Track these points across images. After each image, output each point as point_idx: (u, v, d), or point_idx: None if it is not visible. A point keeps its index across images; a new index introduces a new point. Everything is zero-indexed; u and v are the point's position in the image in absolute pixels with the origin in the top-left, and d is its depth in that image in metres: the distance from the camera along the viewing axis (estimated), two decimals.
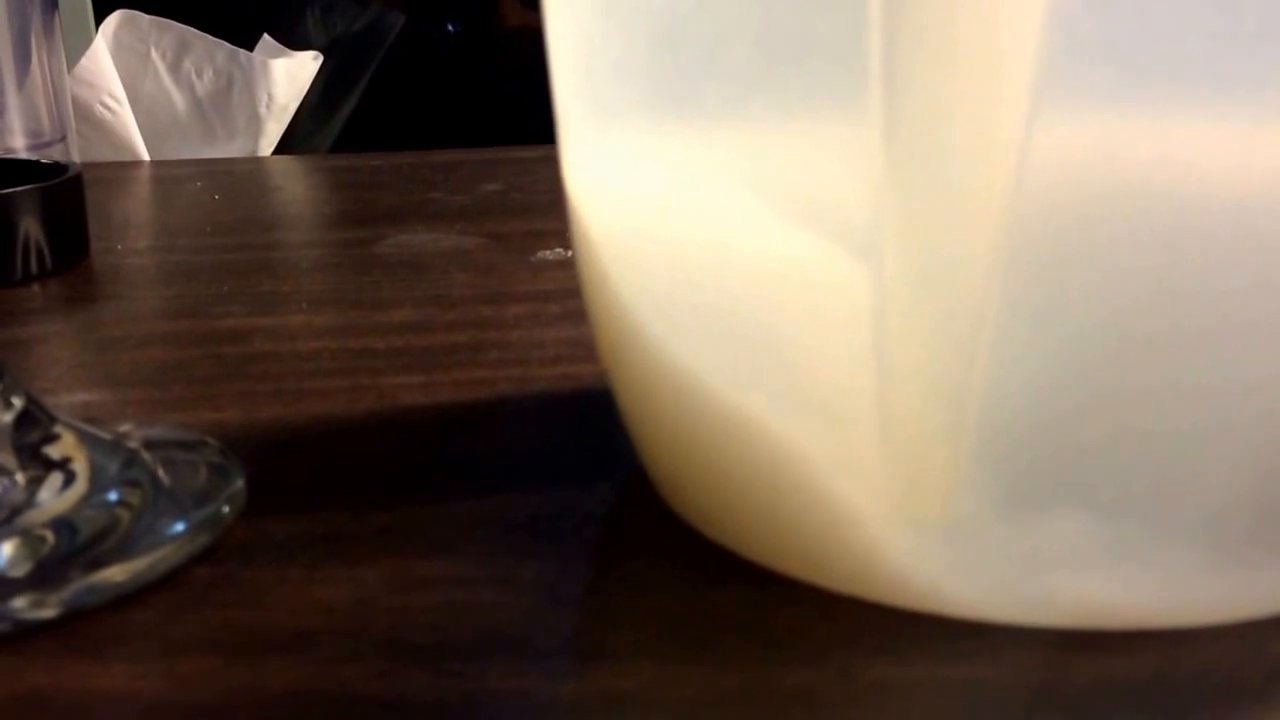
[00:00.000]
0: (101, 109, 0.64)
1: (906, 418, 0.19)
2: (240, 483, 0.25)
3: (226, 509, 0.24)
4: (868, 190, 0.18)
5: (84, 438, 0.24)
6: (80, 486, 0.23)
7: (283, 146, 0.74)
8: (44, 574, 0.21)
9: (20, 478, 0.23)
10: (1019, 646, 0.19)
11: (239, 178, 0.61)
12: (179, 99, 0.69)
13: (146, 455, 0.25)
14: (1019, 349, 0.18)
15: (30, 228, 0.41)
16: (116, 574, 0.21)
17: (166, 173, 0.62)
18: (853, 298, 0.19)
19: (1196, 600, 0.19)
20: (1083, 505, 0.19)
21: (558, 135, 0.24)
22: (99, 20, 0.70)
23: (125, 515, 0.23)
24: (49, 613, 0.20)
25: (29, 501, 0.22)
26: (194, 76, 0.69)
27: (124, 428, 0.26)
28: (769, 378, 0.20)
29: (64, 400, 0.30)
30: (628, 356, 0.23)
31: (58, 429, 0.24)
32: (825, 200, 0.19)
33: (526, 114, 0.83)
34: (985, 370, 0.18)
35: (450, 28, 1.10)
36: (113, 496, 0.23)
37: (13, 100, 0.51)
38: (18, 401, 0.23)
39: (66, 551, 0.22)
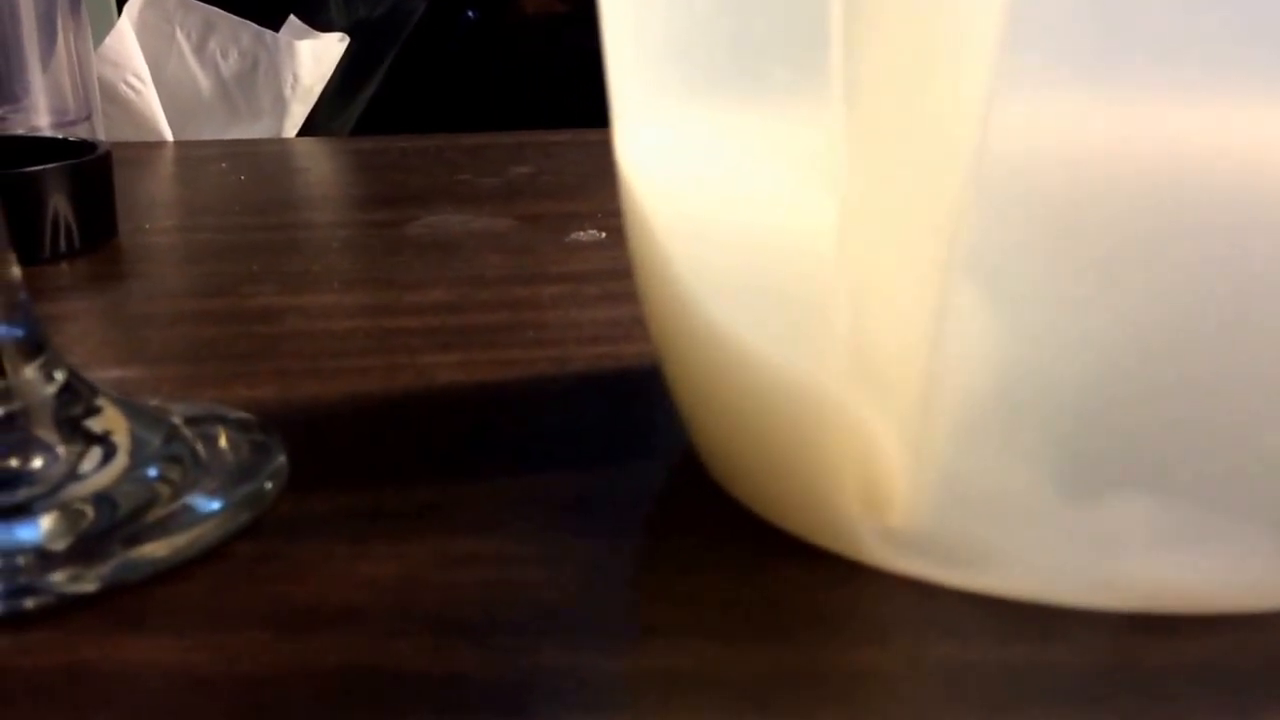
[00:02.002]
0: (126, 89, 0.63)
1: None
2: (282, 459, 0.24)
3: (269, 485, 0.23)
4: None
5: (125, 411, 0.24)
6: (121, 460, 0.23)
7: (303, 129, 0.74)
8: (84, 548, 0.21)
9: (62, 451, 0.22)
10: (1087, 629, 0.19)
11: (264, 159, 0.61)
12: (203, 80, 0.68)
13: (187, 430, 0.24)
14: (1080, 329, 0.18)
15: (59, 205, 0.40)
16: (156, 549, 0.21)
17: (191, 153, 0.62)
18: (918, 284, 0.18)
19: (1271, 584, 0.19)
20: (1155, 487, 0.18)
21: (610, 112, 0.23)
22: (123, 0, 0.70)
23: (165, 490, 0.23)
24: (88, 587, 0.20)
25: (70, 475, 0.22)
26: (219, 57, 0.68)
27: (160, 403, 0.26)
28: (825, 353, 0.20)
29: (96, 377, 0.29)
30: (680, 333, 0.22)
31: (99, 402, 0.23)
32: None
33: (543, 100, 0.83)
34: (1043, 349, 0.18)
35: (470, 14, 1.09)
36: (152, 472, 0.23)
37: (38, 79, 0.51)
38: (59, 375, 0.23)
39: (106, 526, 0.21)
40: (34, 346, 0.23)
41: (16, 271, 0.23)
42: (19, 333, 0.22)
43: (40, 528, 0.21)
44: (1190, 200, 0.17)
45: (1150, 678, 0.18)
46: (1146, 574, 0.19)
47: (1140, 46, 0.16)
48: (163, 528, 0.22)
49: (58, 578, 0.20)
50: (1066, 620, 0.19)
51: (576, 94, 0.61)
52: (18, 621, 0.19)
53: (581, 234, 0.43)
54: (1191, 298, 0.17)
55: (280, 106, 0.69)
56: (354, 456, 0.25)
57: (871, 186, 0.18)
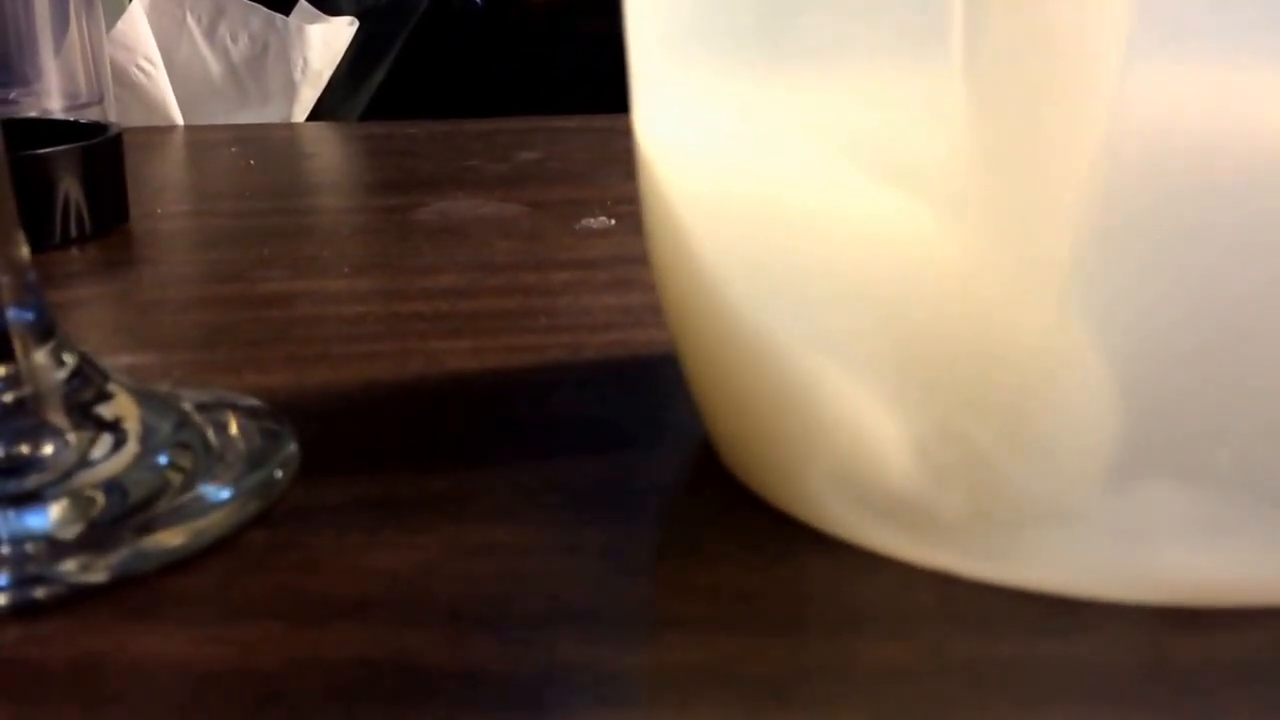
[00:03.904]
0: (137, 72, 0.63)
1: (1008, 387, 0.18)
2: (293, 447, 0.24)
3: (280, 473, 0.23)
4: (949, 138, 0.17)
5: (136, 398, 0.23)
6: (132, 447, 0.22)
7: (313, 114, 0.74)
8: (94, 536, 0.20)
9: (72, 437, 0.22)
10: (1118, 624, 0.18)
11: (274, 143, 0.60)
12: (214, 63, 0.68)
13: (198, 417, 0.24)
14: (1118, 308, 0.17)
15: (70, 189, 0.40)
16: (168, 538, 0.21)
17: (201, 137, 0.61)
18: (945, 260, 0.18)
19: None
20: (1191, 476, 0.18)
21: (628, 93, 0.23)
22: None
23: (176, 478, 0.22)
24: (99, 577, 0.20)
25: (80, 462, 0.22)
26: (229, 41, 0.68)
27: (171, 390, 0.26)
28: (852, 341, 0.19)
29: (108, 363, 0.29)
30: (699, 318, 0.22)
31: (110, 388, 0.23)
32: (909, 151, 0.18)
33: (549, 86, 0.83)
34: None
35: (478, 0, 1.09)
36: (163, 459, 0.23)
37: (50, 62, 0.51)
38: (70, 359, 0.23)
39: (117, 514, 0.21)
40: (44, 330, 0.22)
41: (26, 253, 0.22)
42: (29, 316, 0.22)
43: (50, 515, 0.21)
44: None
45: (1184, 674, 0.18)
46: (1180, 566, 0.18)
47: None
48: (174, 516, 0.21)
49: (68, 567, 0.20)
50: (1096, 614, 0.19)
51: (583, 80, 0.61)
52: (27, 612, 0.19)
53: (591, 221, 0.42)
54: (1239, 287, 0.17)
55: (290, 91, 0.69)
56: (366, 444, 0.25)
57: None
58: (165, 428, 0.23)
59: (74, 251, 0.40)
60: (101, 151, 0.41)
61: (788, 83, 0.19)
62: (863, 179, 0.18)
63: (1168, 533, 0.18)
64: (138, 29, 0.63)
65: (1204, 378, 0.17)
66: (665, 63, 0.21)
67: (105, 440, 0.22)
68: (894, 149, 0.18)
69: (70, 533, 0.20)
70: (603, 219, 0.43)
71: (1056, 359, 0.18)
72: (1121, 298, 0.17)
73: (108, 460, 0.22)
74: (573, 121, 0.61)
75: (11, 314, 0.22)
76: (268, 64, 0.68)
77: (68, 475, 0.21)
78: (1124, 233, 0.17)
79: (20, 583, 0.19)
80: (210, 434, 0.24)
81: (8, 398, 0.22)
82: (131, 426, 0.23)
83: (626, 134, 0.24)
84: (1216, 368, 0.17)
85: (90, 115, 0.50)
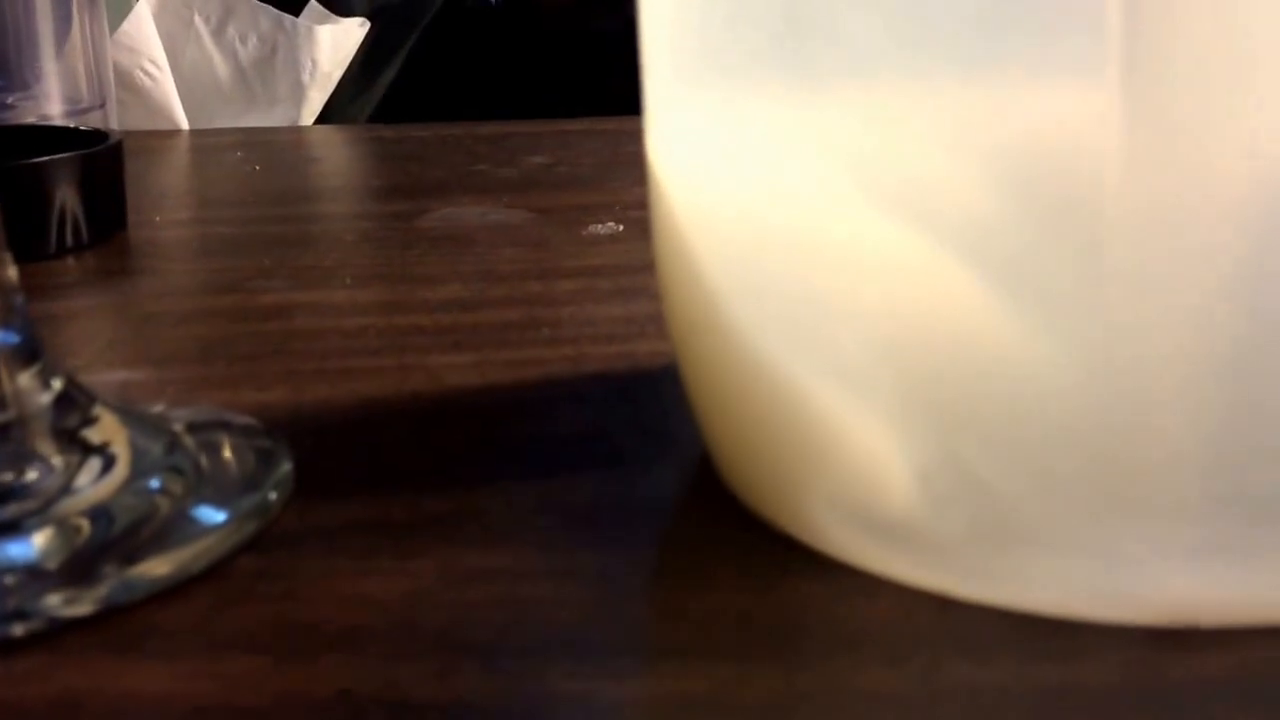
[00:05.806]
0: (142, 75, 0.62)
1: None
2: (287, 468, 0.23)
3: (273, 496, 0.23)
4: (964, 167, 0.16)
5: (124, 420, 0.23)
6: (120, 472, 0.22)
7: (321, 115, 0.73)
8: (79, 567, 0.20)
9: (58, 463, 0.21)
10: (1111, 646, 0.18)
11: (280, 147, 0.60)
12: (221, 66, 0.67)
13: (189, 439, 0.24)
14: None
15: (67, 198, 0.39)
16: (156, 567, 0.20)
17: (206, 141, 0.61)
18: (957, 295, 0.17)
19: None
20: (1188, 499, 0.17)
21: (641, 103, 0.22)
22: None
23: (166, 503, 0.22)
24: (84, 610, 0.19)
25: (66, 488, 0.21)
26: (237, 43, 0.67)
27: (164, 408, 0.25)
28: (855, 366, 0.19)
29: (101, 379, 0.29)
30: (702, 337, 0.22)
31: (97, 411, 0.23)
32: (921, 179, 0.18)
33: (565, 88, 0.82)
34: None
35: (492, 0, 1.08)
36: (154, 484, 0.22)
37: (51, 65, 0.50)
38: (56, 383, 0.22)
39: (102, 541, 0.21)
40: (30, 353, 0.22)
41: (13, 273, 0.22)
42: (14, 339, 0.22)
43: (33, 545, 0.20)
44: None
45: (1180, 695, 0.17)
46: (1177, 587, 0.18)
47: None
48: (162, 544, 0.21)
49: (52, 600, 0.19)
50: (1088, 636, 0.18)
51: (598, 79, 0.60)
52: (5, 648, 0.19)
53: (598, 227, 0.42)
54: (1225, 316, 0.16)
55: (298, 93, 0.68)
56: (362, 464, 0.25)
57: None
58: (156, 450, 0.23)
59: (69, 262, 0.39)
60: (99, 160, 0.41)
61: (801, 106, 0.19)
62: (873, 207, 0.18)
63: (1164, 555, 0.18)
64: (143, 30, 0.63)
65: (1208, 407, 0.17)
66: (679, 84, 0.21)
67: (93, 465, 0.22)
68: (907, 176, 0.18)
69: (54, 563, 0.20)
70: (610, 225, 0.42)
71: (1066, 397, 0.17)
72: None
73: (94, 486, 0.21)
74: (581, 124, 0.61)
75: None
76: (276, 66, 0.68)
77: (52, 502, 0.21)
78: None
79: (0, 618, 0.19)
80: (202, 457, 0.23)
81: None
82: (120, 450, 0.22)
83: (635, 137, 0.23)
84: (1218, 397, 0.17)
85: (92, 120, 0.49)
